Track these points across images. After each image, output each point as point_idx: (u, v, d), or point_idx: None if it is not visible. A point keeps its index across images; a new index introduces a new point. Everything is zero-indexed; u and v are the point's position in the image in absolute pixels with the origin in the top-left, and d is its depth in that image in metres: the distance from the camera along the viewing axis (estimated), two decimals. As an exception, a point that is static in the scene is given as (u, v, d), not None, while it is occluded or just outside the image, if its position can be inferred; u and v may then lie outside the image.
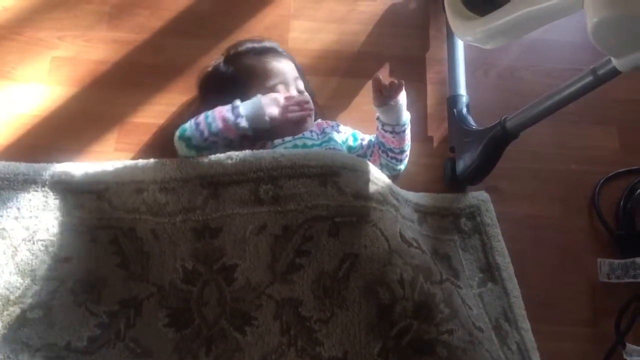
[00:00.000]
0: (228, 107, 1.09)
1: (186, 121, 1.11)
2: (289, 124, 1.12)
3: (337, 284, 0.95)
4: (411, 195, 1.19)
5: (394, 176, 1.23)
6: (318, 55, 1.35)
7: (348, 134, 1.22)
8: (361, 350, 0.91)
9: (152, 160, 1.10)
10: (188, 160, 1.07)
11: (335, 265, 0.95)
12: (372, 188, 1.03)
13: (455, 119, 1.24)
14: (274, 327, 0.96)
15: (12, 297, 1.00)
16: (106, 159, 1.21)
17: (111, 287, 1.02)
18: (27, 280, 1.02)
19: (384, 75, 1.35)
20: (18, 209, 1.09)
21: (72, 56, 1.33)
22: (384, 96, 1.12)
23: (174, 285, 1.01)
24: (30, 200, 1.10)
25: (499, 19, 0.89)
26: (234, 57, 1.23)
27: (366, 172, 1.04)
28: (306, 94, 1.20)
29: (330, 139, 1.16)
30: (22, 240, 1.05)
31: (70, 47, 1.34)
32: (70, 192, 1.11)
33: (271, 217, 0.99)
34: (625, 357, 1.11)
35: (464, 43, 1.33)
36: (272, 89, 1.16)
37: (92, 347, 0.98)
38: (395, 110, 1.14)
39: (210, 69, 1.25)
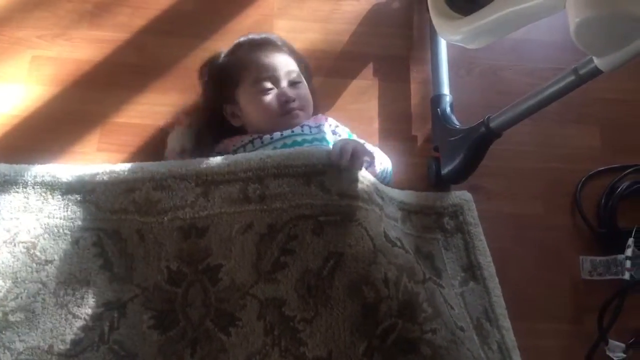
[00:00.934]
0: None
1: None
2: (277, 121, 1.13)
3: (322, 283, 0.95)
4: (396, 193, 1.19)
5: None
6: (302, 55, 1.34)
7: (343, 136, 1.21)
8: (346, 350, 0.91)
9: (150, 162, 1.12)
10: (189, 160, 1.09)
11: (319, 264, 0.95)
12: (358, 187, 1.03)
13: (439, 119, 1.25)
14: (258, 327, 0.95)
15: (-7, 300, 0.98)
16: (88, 159, 1.20)
17: (94, 290, 1.01)
18: (9, 283, 1.00)
19: (367, 74, 1.36)
20: (-2, 210, 1.07)
21: (53, 55, 1.31)
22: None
23: (158, 287, 1.00)
24: (10, 201, 1.08)
25: (482, 18, 0.89)
26: (231, 50, 1.24)
27: (352, 171, 1.04)
28: (300, 90, 1.19)
29: (323, 138, 1.15)
30: (3, 242, 1.04)
31: (51, 46, 1.32)
32: (53, 193, 1.09)
33: (257, 216, 1.00)
34: (608, 353, 1.12)
35: (447, 42, 1.34)
36: (260, 83, 1.16)
37: (75, 350, 0.96)
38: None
39: (207, 59, 1.26)
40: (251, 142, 1.15)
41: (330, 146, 1.14)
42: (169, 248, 1.01)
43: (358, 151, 1.03)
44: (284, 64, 1.19)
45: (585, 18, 0.74)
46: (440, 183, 1.23)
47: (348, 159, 1.01)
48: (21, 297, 0.99)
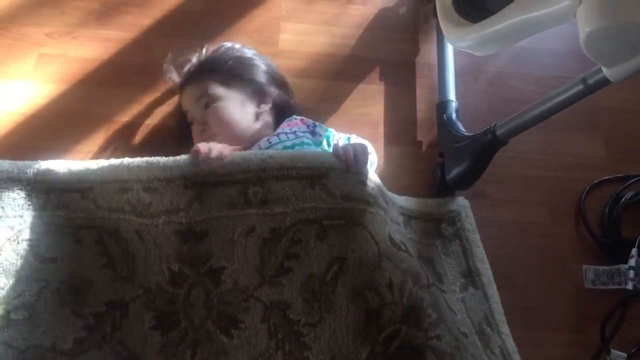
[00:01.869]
0: None
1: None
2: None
3: (325, 288, 0.94)
4: (396, 198, 1.19)
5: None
6: (309, 58, 1.34)
7: (324, 135, 1.18)
8: (349, 355, 0.91)
9: (138, 158, 1.06)
10: (175, 159, 1.03)
11: (323, 269, 0.95)
12: (363, 189, 1.02)
13: (444, 125, 1.24)
14: (262, 330, 0.95)
15: (-5, 298, 0.98)
16: (93, 158, 1.20)
17: (97, 289, 1.00)
18: (12, 281, 1.00)
19: (373, 78, 1.36)
20: (2, 207, 1.07)
21: (60, 53, 1.31)
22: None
23: (160, 287, 1.00)
24: (14, 199, 1.08)
25: (491, 26, 0.89)
26: None
27: (357, 173, 1.03)
28: (210, 114, 1.16)
29: (303, 142, 1.13)
30: (7, 239, 1.03)
31: (58, 44, 1.32)
32: (54, 190, 1.08)
33: (260, 220, 0.98)
34: (609, 363, 1.12)
35: (454, 49, 1.34)
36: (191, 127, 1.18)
37: (77, 350, 0.96)
38: None
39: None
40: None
41: (313, 147, 1.13)
42: (167, 250, 1.00)
43: (358, 151, 1.02)
44: (191, 94, 1.19)
45: (596, 28, 0.74)
46: (445, 189, 1.23)
47: (353, 161, 1.01)
48: (24, 295, 0.99)
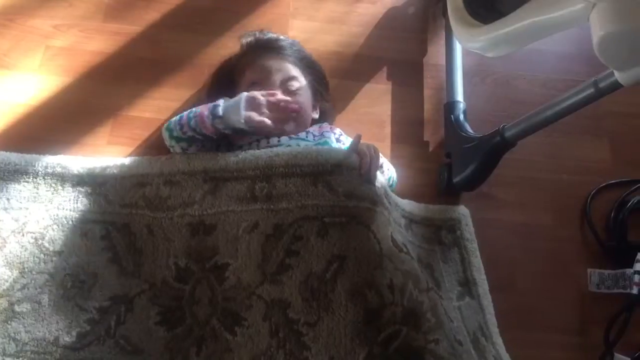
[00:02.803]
0: (210, 104, 1.08)
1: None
2: (267, 126, 1.07)
3: (324, 286, 0.93)
4: (399, 201, 1.19)
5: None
6: (316, 56, 1.33)
7: (347, 145, 1.18)
8: (346, 357, 0.89)
9: (160, 156, 1.11)
10: (197, 154, 1.09)
11: (322, 267, 0.94)
12: (368, 188, 1.01)
13: (452, 126, 1.24)
14: (264, 328, 0.95)
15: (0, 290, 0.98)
16: (99, 152, 1.19)
17: (102, 283, 1.01)
18: (16, 273, 1.00)
19: (381, 77, 1.36)
20: (7, 199, 1.07)
21: (67, 46, 1.30)
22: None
23: (166, 283, 1.00)
24: (20, 191, 1.08)
25: (503, 28, 0.89)
26: (240, 51, 1.24)
27: (369, 174, 1.02)
28: (294, 98, 1.14)
29: (326, 143, 1.14)
30: (12, 231, 1.03)
31: (66, 36, 1.31)
32: (64, 184, 1.09)
33: (263, 215, 0.99)
34: (613, 367, 1.12)
35: (462, 49, 1.33)
36: (253, 87, 1.14)
37: (81, 343, 0.96)
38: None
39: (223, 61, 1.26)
40: (257, 141, 1.13)
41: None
42: (177, 244, 1.01)
43: (374, 157, 1.03)
44: (280, 69, 1.17)
45: (610, 32, 0.74)
46: (451, 190, 1.23)
47: (368, 161, 1.01)
48: (28, 288, 0.99)
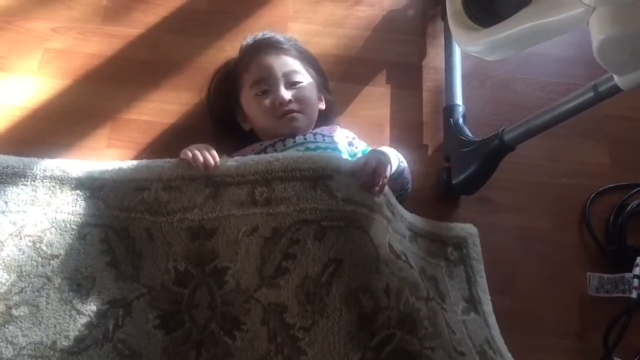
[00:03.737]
0: None
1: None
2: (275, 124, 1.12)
3: (320, 290, 0.93)
4: (405, 213, 1.17)
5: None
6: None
7: (360, 149, 1.19)
8: None
9: (159, 160, 1.09)
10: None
11: (318, 270, 0.94)
12: (367, 194, 1.01)
13: (451, 129, 1.24)
14: (262, 333, 0.95)
15: (-4, 293, 0.97)
16: (98, 154, 1.19)
17: (100, 287, 1.00)
18: (13, 276, 0.99)
19: (380, 80, 1.36)
20: (5, 202, 1.06)
21: (66, 48, 1.30)
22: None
23: (165, 287, 1.00)
24: (18, 194, 1.07)
25: (503, 31, 0.89)
26: (239, 54, 1.24)
27: (370, 188, 1.02)
28: (300, 92, 1.16)
29: (336, 148, 1.14)
30: (9, 235, 1.03)
31: (64, 39, 1.31)
32: (62, 188, 1.08)
33: (263, 219, 0.99)
34: (612, 371, 1.12)
35: (461, 52, 1.33)
36: (257, 86, 1.15)
37: (78, 347, 0.95)
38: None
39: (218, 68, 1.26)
40: (265, 149, 1.14)
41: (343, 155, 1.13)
42: (177, 248, 1.01)
43: (380, 169, 1.01)
44: (282, 65, 1.17)
45: (609, 36, 0.74)
46: (450, 193, 1.23)
47: (369, 174, 1.00)
48: (25, 292, 0.98)
